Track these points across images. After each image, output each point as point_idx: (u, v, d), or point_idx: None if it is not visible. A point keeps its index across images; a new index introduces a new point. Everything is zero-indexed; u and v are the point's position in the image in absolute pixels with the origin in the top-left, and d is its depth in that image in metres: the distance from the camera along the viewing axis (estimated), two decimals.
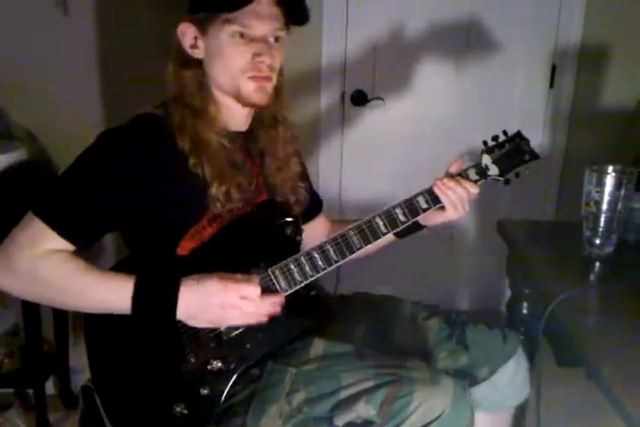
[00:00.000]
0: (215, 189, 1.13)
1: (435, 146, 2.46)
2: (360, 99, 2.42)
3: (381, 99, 2.42)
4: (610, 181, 1.34)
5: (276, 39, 1.16)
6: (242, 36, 1.12)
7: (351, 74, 2.42)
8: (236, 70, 1.14)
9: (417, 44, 2.36)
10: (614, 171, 1.35)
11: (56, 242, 1.07)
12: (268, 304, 1.10)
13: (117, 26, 2.16)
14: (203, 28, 1.14)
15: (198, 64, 1.17)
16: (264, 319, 1.11)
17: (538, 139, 2.43)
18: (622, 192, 1.34)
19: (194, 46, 1.16)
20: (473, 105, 2.43)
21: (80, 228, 1.08)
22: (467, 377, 1.23)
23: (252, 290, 1.08)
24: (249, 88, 1.15)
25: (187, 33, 1.15)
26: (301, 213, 1.32)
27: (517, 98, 2.43)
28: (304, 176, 1.37)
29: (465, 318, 1.33)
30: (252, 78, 1.15)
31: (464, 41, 2.36)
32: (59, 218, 1.07)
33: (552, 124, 2.44)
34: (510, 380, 1.28)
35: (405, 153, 2.49)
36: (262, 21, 1.13)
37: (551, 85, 2.41)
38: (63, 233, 1.06)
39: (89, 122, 2.13)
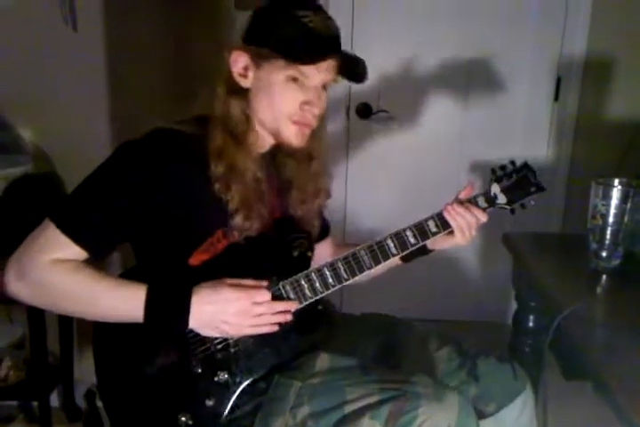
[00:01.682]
0: (240, 221, 1.13)
1: (439, 157, 2.48)
2: (365, 111, 2.43)
3: (386, 111, 2.43)
4: (616, 193, 1.34)
5: (324, 86, 1.18)
6: (295, 80, 1.13)
7: (356, 87, 2.42)
8: (282, 112, 1.15)
9: (422, 57, 2.37)
10: (620, 184, 1.35)
11: (71, 250, 1.07)
12: (280, 307, 1.12)
13: (126, 42, 2.18)
14: (257, 61, 1.13)
15: (245, 92, 1.17)
16: (275, 327, 1.12)
17: (543, 151, 2.44)
18: (629, 205, 1.34)
19: (242, 75, 1.15)
20: (478, 117, 2.44)
21: (96, 237, 1.09)
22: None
23: (263, 295, 1.10)
24: (290, 131, 1.17)
25: (238, 61, 1.15)
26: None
27: (522, 110, 2.44)
28: (322, 212, 1.37)
29: (476, 350, 1.32)
30: (295, 122, 1.16)
31: (468, 54, 2.37)
32: (76, 227, 1.07)
33: (557, 137, 2.44)
34: (516, 418, 1.26)
35: (410, 165, 2.50)
36: (320, 73, 1.14)
37: (556, 98, 2.42)
38: (80, 242, 1.07)
39: (96, 137, 2.14)
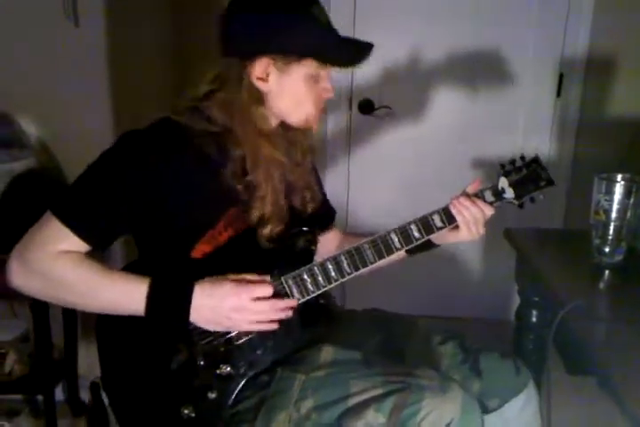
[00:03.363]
0: (268, 231, 1.17)
1: (442, 153, 2.47)
2: (367, 107, 2.43)
3: (389, 107, 2.43)
4: (619, 189, 1.34)
5: None
6: (316, 76, 1.17)
7: (359, 83, 2.43)
8: (311, 109, 1.19)
9: (424, 54, 2.37)
10: (623, 179, 1.36)
11: (72, 242, 1.07)
12: (280, 305, 1.12)
13: (127, 37, 2.18)
14: (284, 66, 1.14)
15: (264, 96, 1.17)
16: (275, 325, 1.12)
17: (545, 147, 2.44)
18: (631, 200, 1.34)
19: (263, 80, 1.14)
20: (480, 113, 2.44)
21: (97, 229, 1.09)
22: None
23: (264, 290, 1.10)
24: (314, 116, 1.21)
25: (260, 67, 1.13)
26: (316, 214, 1.32)
27: (525, 107, 2.44)
28: (316, 173, 1.39)
29: (478, 346, 1.33)
30: (320, 110, 1.21)
31: (471, 50, 2.37)
32: (76, 218, 1.08)
33: (559, 133, 2.44)
34: (519, 413, 1.26)
35: (412, 160, 2.50)
36: None
37: (558, 94, 2.42)
38: (80, 233, 1.07)
39: (98, 131, 2.14)
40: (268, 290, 1.11)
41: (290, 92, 1.17)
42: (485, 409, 1.23)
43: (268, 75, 1.14)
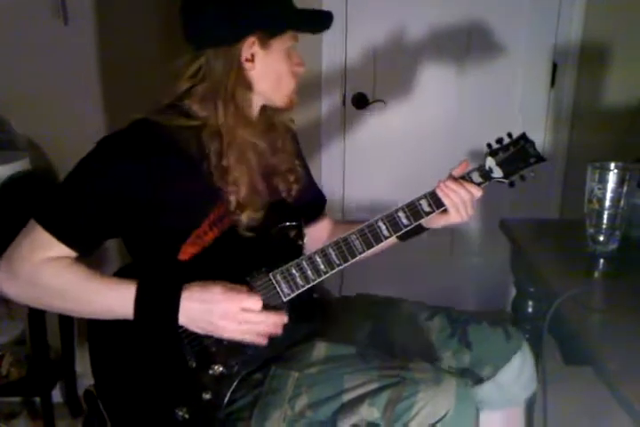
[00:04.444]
0: (246, 217, 1.15)
1: (436, 146, 2.47)
2: (361, 101, 2.42)
3: (382, 101, 2.42)
4: (612, 177, 1.33)
5: None
6: (290, 50, 1.18)
7: (352, 77, 2.42)
8: (291, 83, 1.20)
9: (417, 45, 2.36)
10: (616, 168, 1.35)
11: (58, 249, 1.07)
12: (269, 320, 1.10)
13: (117, 35, 2.17)
14: (267, 42, 1.14)
15: (250, 77, 1.17)
16: (262, 339, 1.10)
17: (540, 137, 2.43)
18: (625, 189, 1.33)
19: (249, 61, 1.14)
20: (474, 105, 2.43)
21: (81, 234, 1.09)
22: (470, 376, 1.22)
23: (254, 302, 1.08)
24: (294, 92, 1.21)
25: (248, 48, 1.13)
26: (304, 201, 1.31)
27: (519, 97, 2.43)
28: (299, 154, 1.36)
29: (466, 316, 1.32)
30: (295, 84, 1.21)
31: (464, 41, 2.36)
32: (59, 225, 1.07)
33: (554, 123, 2.43)
34: (516, 377, 1.27)
35: (407, 154, 2.49)
36: None
37: (552, 84, 2.41)
38: (64, 240, 1.07)
39: (90, 131, 2.12)
40: (257, 303, 1.08)
41: (272, 70, 1.17)
42: (480, 379, 1.24)
43: (253, 55, 1.14)
